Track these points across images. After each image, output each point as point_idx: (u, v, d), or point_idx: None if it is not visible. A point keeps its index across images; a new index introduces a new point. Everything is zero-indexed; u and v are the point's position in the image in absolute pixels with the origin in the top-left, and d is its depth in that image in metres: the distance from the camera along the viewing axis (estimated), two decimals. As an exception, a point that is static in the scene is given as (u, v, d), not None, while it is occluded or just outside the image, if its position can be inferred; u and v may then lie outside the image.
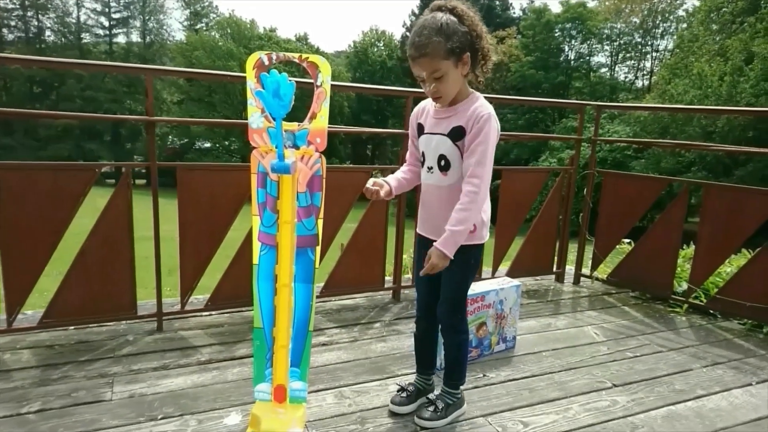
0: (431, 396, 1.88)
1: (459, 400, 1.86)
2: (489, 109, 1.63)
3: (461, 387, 1.87)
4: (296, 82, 1.53)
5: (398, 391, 1.92)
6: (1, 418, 1.73)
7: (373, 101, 35.13)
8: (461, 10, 1.58)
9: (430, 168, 1.71)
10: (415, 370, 1.98)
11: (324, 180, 1.69)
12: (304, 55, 1.61)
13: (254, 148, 1.66)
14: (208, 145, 35.02)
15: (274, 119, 1.54)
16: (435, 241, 1.65)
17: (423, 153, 1.74)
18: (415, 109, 1.81)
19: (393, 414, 1.86)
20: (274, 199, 1.67)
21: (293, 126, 1.63)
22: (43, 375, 2.03)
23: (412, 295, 3.14)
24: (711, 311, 3.03)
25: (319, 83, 1.61)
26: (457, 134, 1.63)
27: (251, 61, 1.59)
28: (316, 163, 1.68)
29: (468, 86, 1.68)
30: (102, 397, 1.89)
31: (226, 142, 34.62)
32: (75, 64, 2.58)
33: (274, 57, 1.60)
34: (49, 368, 2.09)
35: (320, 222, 1.73)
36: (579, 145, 3.53)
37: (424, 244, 1.79)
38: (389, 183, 1.77)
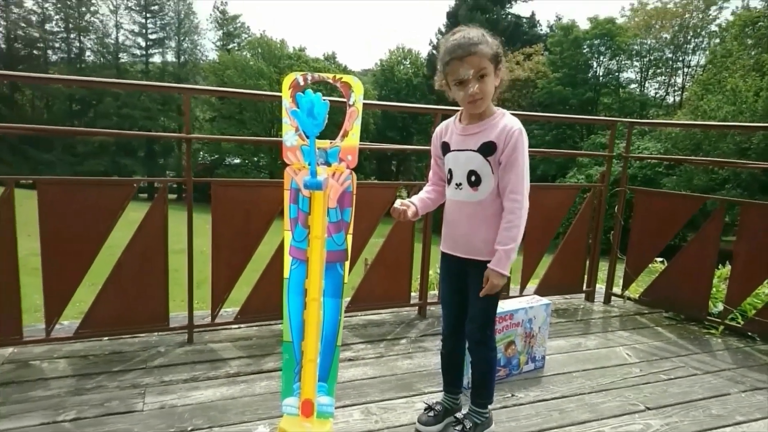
0: (459, 415, 1.86)
1: (487, 419, 1.84)
2: (519, 123, 1.66)
3: (489, 406, 1.85)
4: (328, 100, 1.57)
5: (425, 410, 1.91)
6: (39, 425, 1.78)
7: (398, 118, 35.36)
8: (490, 34, 1.66)
9: (458, 184, 1.72)
10: (441, 389, 1.97)
11: (354, 196, 1.72)
12: (338, 76, 1.65)
13: (287, 165, 1.70)
14: (237, 161, 35.75)
15: (307, 137, 1.58)
16: (460, 258, 1.73)
17: (450, 170, 1.75)
18: (437, 130, 1.84)
19: (410, 426, 1.85)
20: (305, 214, 1.70)
21: (325, 144, 1.67)
22: (78, 384, 2.09)
23: (438, 311, 3.12)
24: (749, 334, 2.92)
25: (351, 102, 1.64)
26: (488, 150, 1.65)
27: (287, 82, 1.64)
28: (347, 179, 1.70)
29: (492, 106, 1.71)
30: (134, 408, 1.93)
31: (255, 158, 35.30)
32: (117, 84, 2.72)
33: (309, 77, 1.65)
34: (83, 378, 2.15)
35: (350, 237, 1.75)
36: (610, 161, 3.48)
37: (449, 262, 1.81)
38: (414, 204, 1.79)
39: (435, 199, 1.85)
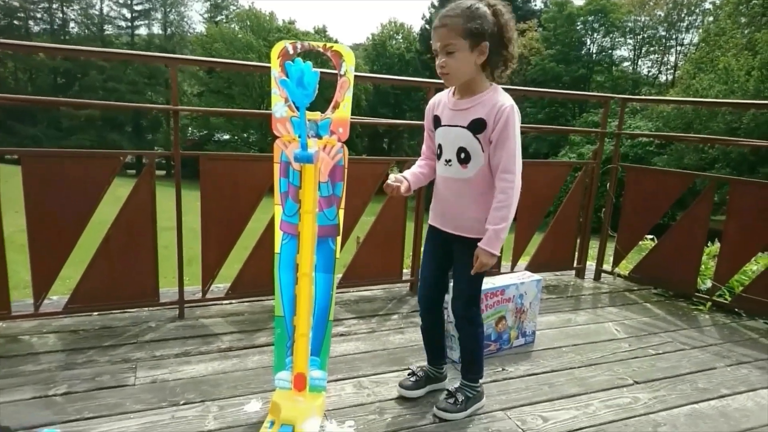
0: (451, 388, 1.87)
1: (479, 393, 1.85)
2: (511, 100, 1.61)
3: (480, 380, 1.87)
4: (319, 71, 1.53)
5: (409, 374, 1.95)
6: (31, 399, 1.77)
7: (390, 94, 35.04)
8: (500, 9, 1.57)
9: (448, 161, 1.68)
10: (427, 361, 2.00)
11: (346, 170, 1.69)
12: (328, 45, 1.60)
13: (277, 137, 1.67)
14: (227, 136, 35.33)
15: (297, 108, 1.54)
16: (448, 233, 1.72)
17: (440, 146, 1.71)
18: (431, 102, 1.79)
19: (402, 398, 1.89)
20: (296, 188, 1.68)
21: (316, 116, 1.63)
22: (68, 359, 2.08)
23: (430, 287, 3.13)
24: (736, 310, 2.96)
25: (342, 72, 1.61)
26: (477, 126, 1.60)
27: (276, 50, 1.60)
28: (339, 152, 1.68)
29: (485, 80, 1.64)
30: (125, 382, 1.92)
31: (245, 134, 34.89)
32: (102, 53, 2.63)
33: (299, 46, 1.60)
34: (74, 352, 2.13)
35: (341, 212, 1.73)
36: (602, 138, 3.47)
37: (436, 236, 1.80)
38: (407, 178, 1.75)
39: (427, 173, 1.81)
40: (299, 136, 1.57)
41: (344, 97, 1.61)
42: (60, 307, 2.40)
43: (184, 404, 1.79)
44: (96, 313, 2.50)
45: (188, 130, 34.85)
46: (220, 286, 2.73)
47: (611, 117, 3.67)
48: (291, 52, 1.60)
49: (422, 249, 1.91)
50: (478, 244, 1.61)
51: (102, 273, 2.39)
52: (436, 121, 1.72)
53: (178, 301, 2.53)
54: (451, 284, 1.82)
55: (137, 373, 1.99)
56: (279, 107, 1.63)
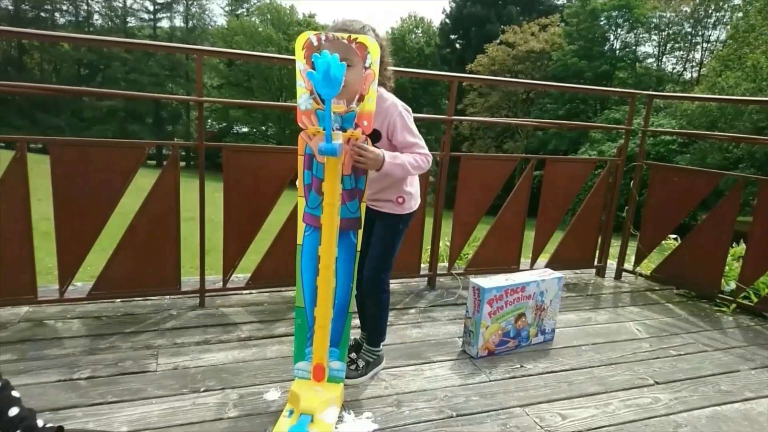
0: (353, 355, 2.02)
1: (379, 357, 2.02)
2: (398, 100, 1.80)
3: (381, 344, 2.02)
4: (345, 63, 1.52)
5: (351, 344, 2.06)
6: (56, 382, 1.82)
7: (408, 89, 34.83)
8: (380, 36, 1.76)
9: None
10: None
11: (369, 163, 1.69)
12: (353, 36, 1.60)
13: (302, 129, 1.67)
14: (245, 129, 35.62)
15: (323, 101, 1.54)
16: (373, 210, 1.89)
17: None
18: None
19: (419, 392, 1.91)
20: (319, 180, 1.68)
21: (341, 108, 1.63)
22: (92, 344, 2.12)
23: (447, 283, 3.13)
24: (761, 312, 2.90)
25: (367, 65, 1.60)
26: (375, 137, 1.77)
27: (300, 42, 1.59)
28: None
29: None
30: (147, 368, 1.95)
31: (263, 127, 35.12)
32: (132, 44, 2.67)
33: (323, 37, 1.60)
34: (97, 338, 2.18)
35: (363, 205, 1.73)
36: (628, 135, 3.41)
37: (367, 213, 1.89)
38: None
39: None
40: (324, 129, 1.57)
41: (369, 90, 1.61)
42: (84, 293, 2.45)
43: (204, 391, 1.82)
44: (119, 300, 2.55)
45: (207, 122, 35.19)
46: (240, 276, 2.76)
47: (636, 114, 3.61)
48: (315, 43, 1.60)
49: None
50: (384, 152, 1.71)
51: (126, 261, 2.43)
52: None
53: (199, 290, 2.56)
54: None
55: (159, 359, 2.02)
56: (304, 99, 1.63)
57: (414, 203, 1.94)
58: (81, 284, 2.59)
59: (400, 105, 1.79)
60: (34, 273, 2.31)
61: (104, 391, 1.78)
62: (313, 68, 1.50)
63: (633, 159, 3.41)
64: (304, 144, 1.69)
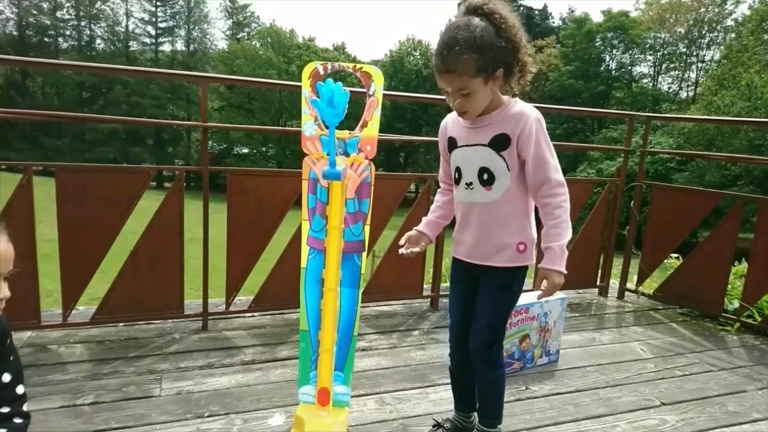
0: None
1: None
2: (535, 111, 1.47)
3: (499, 426, 1.66)
4: (349, 90, 1.55)
5: (433, 427, 1.76)
6: (59, 408, 1.80)
7: (407, 109, 35.23)
8: (500, 17, 1.36)
9: (468, 184, 1.51)
10: (453, 407, 1.79)
11: (372, 187, 1.71)
12: (358, 66, 1.64)
13: (306, 155, 1.70)
14: (245, 150, 35.86)
15: (327, 127, 1.57)
16: (472, 264, 1.56)
17: (458, 169, 1.54)
18: (442, 124, 1.63)
19: (425, 416, 1.85)
20: (323, 204, 1.70)
21: (344, 134, 1.66)
22: (95, 369, 2.11)
23: (451, 304, 3.12)
24: (766, 331, 2.89)
25: (371, 92, 1.63)
26: (500, 143, 1.45)
27: (307, 71, 1.63)
28: (366, 170, 1.70)
29: (500, 95, 1.48)
30: (151, 393, 1.94)
31: (263, 148, 35.41)
32: (135, 72, 2.72)
33: (330, 67, 1.64)
34: (100, 363, 2.17)
35: (367, 228, 1.75)
36: (627, 156, 3.44)
37: (461, 269, 1.63)
38: (423, 232, 1.66)
39: (446, 212, 1.69)
40: (328, 154, 1.60)
41: (372, 116, 1.64)
42: (87, 318, 2.45)
43: (208, 416, 1.81)
44: (122, 324, 2.55)
45: (209, 144, 35.42)
46: (243, 298, 2.76)
47: (634, 133, 3.65)
48: (321, 72, 1.63)
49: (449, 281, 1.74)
50: (542, 265, 1.44)
51: (129, 285, 2.43)
52: (451, 143, 1.56)
53: (202, 313, 2.56)
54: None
55: (162, 384, 2.01)
56: (309, 126, 1.66)
57: (534, 252, 1.56)
58: (84, 308, 2.59)
59: (536, 113, 1.48)
60: (38, 298, 2.32)
61: (108, 417, 1.76)
62: (318, 96, 1.53)
63: (632, 178, 3.43)
64: (309, 169, 1.71)
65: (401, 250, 1.62)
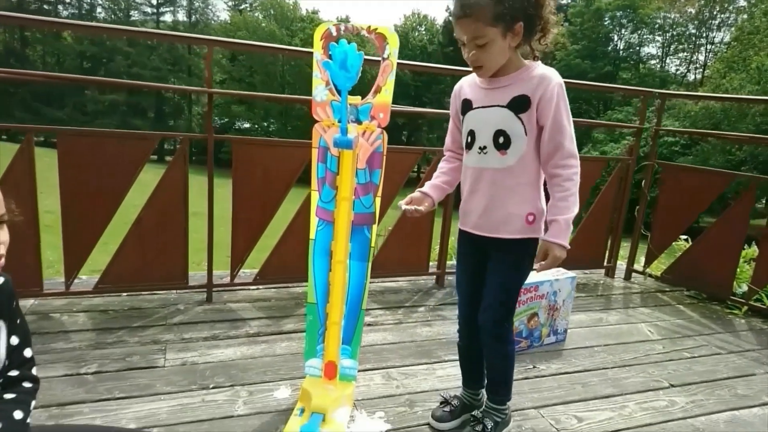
0: (477, 413, 1.67)
1: (507, 417, 1.65)
2: (558, 75, 1.39)
3: (508, 403, 1.65)
4: (363, 53, 1.49)
5: (441, 404, 1.72)
6: (63, 376, 1.78)
7: (411, 86, 34.81)
8: None
9: (482, 148, 1.43)
10: (461, 383, 1.76)
11: (384, 157, 1.65)
12: (372, 27, 1.56)
13: (316, 121, 1.63)
14: (247, 125, 35.57)
15: (339, 91, 1.50)
16: (481, 236, 1.49)
17: (471, 132, 1.47)
18: (456, 87, 1.56)
19: (432, 392, 1.84)
20: (333, 174, 1.64)
21: (356, 100, 1.59)
22: (98, 338, 2.09)
23: (457, 281, 3.09)
24: (774, 315, 2.87)
25: (386, 55, 1.56)
26: (520, 104, 1.37)
27: (319, 32, 1.56)
28: (378, 139, 1.64)
29: (520, 57, 1.42)
30: (155, 363, 1.92)
31: (265, 123, 35.10)
32: (142, 33, 2.63)
33: (343, 28, 1.56)
34: (104, 332, 2.14)
35: (378, 200, 1.70)
36: (639, 134, 3.37)
37: (468, 242, 1.56)
38: (427, 193, 1.57)
39: (452, 179, 1.62)
40: (339, 121, 1.53)
41: (386, 81, 1.57)
42: (90, 287, 2.42)
43: (213, 388, 1.79)
44: (125, 294, 2.52)
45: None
46: (247, 271, 2.73)
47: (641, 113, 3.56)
48: (334, 33, 1.56)
49: (456, 256, 1.69)
50: (546, 237, 1.39)
51: (133, 254, 2.40)
52: (466, 105, 1.49)
53: (207, 285, 2.53)
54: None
55: (167, 354, 1.99)
56: (320, 91, 1.59)
57: (543, 224, 1.49)
58: (86, 277, 2.56)
59: (559, 78, 1.40)
60: (40, 265, 2.28)
61: (112, 387, 1.74)
62: (330, 57, 1.46)
63: (642, 159, 3.36)
64: (319, 136, 1.65)
65: (404, 206, 1.51)
